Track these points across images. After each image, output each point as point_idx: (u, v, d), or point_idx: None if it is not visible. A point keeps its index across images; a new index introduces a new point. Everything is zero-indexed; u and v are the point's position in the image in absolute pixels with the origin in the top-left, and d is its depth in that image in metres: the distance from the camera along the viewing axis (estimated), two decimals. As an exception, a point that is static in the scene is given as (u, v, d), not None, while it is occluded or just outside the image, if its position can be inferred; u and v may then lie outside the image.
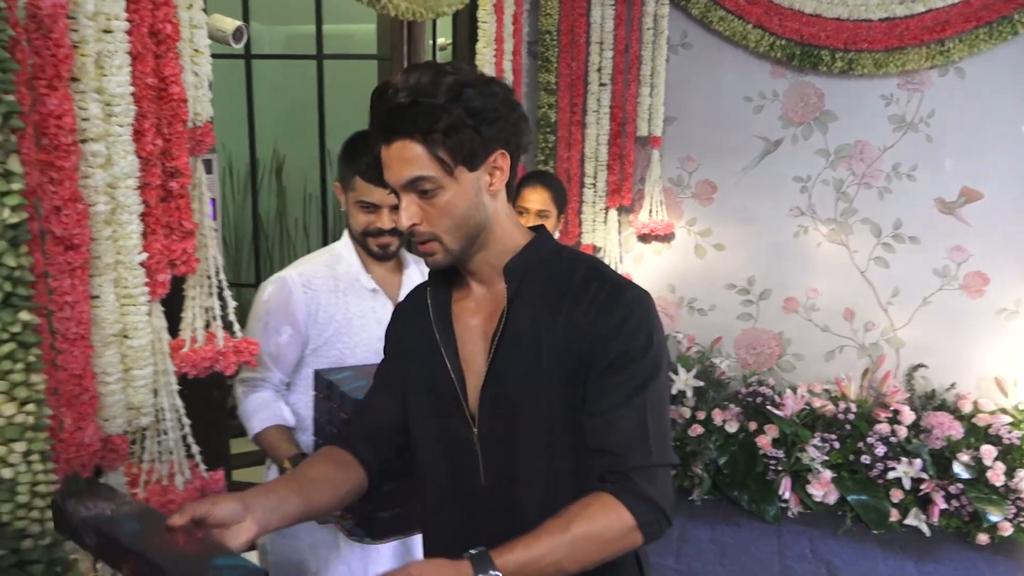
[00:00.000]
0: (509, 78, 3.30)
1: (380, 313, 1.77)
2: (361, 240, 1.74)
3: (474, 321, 1.20)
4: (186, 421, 1.41)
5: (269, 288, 1.75)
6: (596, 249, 3.83)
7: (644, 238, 3.95)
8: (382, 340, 1.72)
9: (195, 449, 1.45)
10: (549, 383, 1.12)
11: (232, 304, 1.52)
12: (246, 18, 3.05)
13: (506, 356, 1.15)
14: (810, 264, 3.76)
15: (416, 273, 1.86)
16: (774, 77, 3.66)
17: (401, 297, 1.78)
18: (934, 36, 3.37)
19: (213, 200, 1.83)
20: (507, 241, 1.17)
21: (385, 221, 1.70)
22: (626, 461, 1.07)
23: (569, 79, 3.68)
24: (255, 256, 3.52)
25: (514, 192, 2.27)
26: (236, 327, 1.53)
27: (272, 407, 1.72)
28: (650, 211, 3.80)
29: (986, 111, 3.47)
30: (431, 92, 1.05)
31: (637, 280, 3.94)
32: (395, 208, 1.68)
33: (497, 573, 0.97)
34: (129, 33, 1.19)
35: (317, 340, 1.74)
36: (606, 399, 1.09)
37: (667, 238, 3.91)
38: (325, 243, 3.28)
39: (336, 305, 1.74)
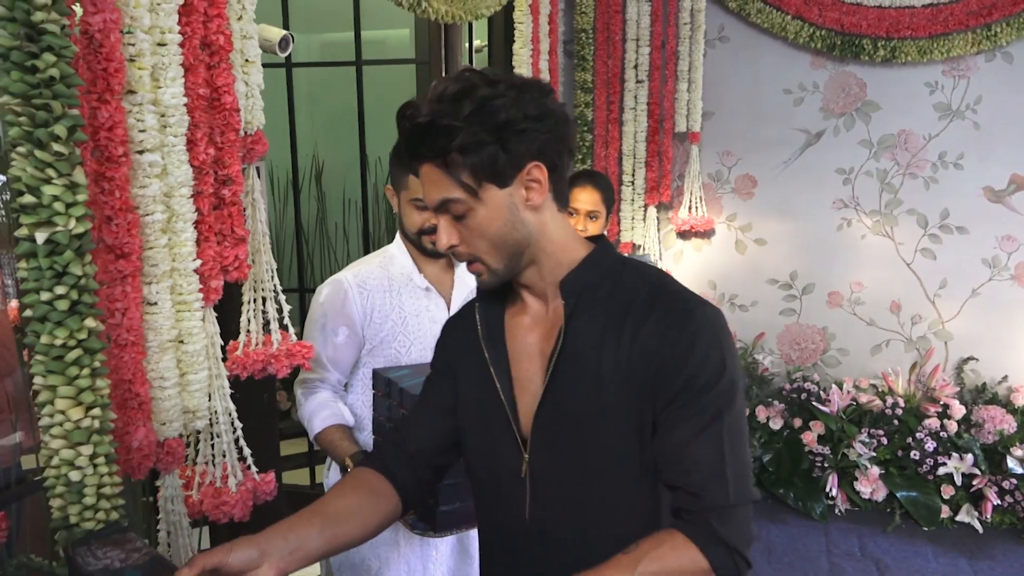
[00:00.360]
0: (545, 78, 3.31)
1: (434, 311, 1.80)
2: (415, 239, 1.76)
3: (530, 338, 1.12)
4: (238, 424, 1.44)
5: (325, 290, 1.78)
6: (635, 247, 3.82)
7: (684, 235, 3.93)
8: (436, 339, 1.77)
9: (247, 452, 1.47)
10: (613, 409, 1.04)
11: (287, 308, 1.55)
12: (286, 26, 3.10)
13: (565, 378, 1.06)
14: (854, 257, 3.70)
15: (468, 273, 1.88)
16: (814, 68, 3.61)
17: (454, 295, 1.82)
18: (980, 20, 3.30)
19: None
20: (561, 255, 1.09)
21: None
22: (702, 500, 0.99)
23: (606, 77, 3.67)
24: (297, 261, 3.57)
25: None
26: (291, 330, 1.55)
27: (332, 407, 1.75)
28: (690, 207, 3.78)
29: (1035, 97, 3.38)
30: (450, 110, 0.99)
31: (677, 277, 3.92)
32: None
33: None
34: (182, 45, 1.22)
35: (373, 340, 1.77)
36: (679, 431, 1.01)
37: (707, 234, 3.88)
38: (365, 247, 3.32)
39: (391, 305, 1.77)
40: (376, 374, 1.64)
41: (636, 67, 3.65)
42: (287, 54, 1.88)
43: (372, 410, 1.71)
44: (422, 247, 1.77)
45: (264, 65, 2.98)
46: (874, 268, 3.69)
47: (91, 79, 1.08)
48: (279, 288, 1.54)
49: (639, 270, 1.11)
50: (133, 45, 1.15)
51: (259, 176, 1.64)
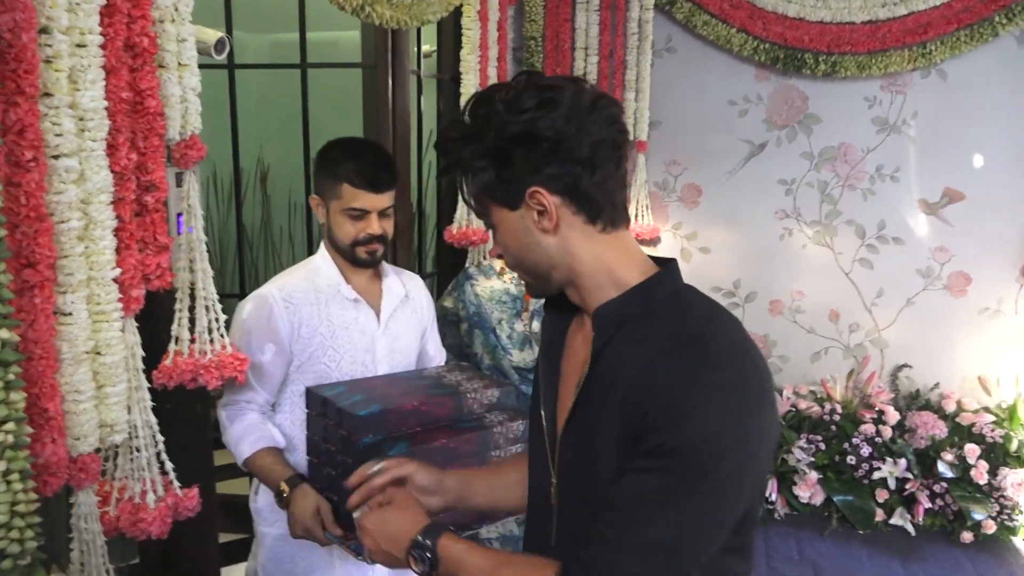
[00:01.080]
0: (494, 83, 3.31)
1: (363, 323, 1.76)
2: (348, 250, 1.72)
3: (579, 354, 1.05)
4: (160, 438, 1.40)
5: (248, 306, 1.72)
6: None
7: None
8: (368, 351, 1.75)
9: (169, 466, 1.43)
10: (617, 444, 0.95)
11: (222, 317, 1.51)
12: (229, 27, 3.04)
13: (588, 408, 0.99)
14: (795, 266, 3.78)
15: (395, 281, 1.85)
16: (758, 80, 3.67)
17: (383, 305, 1.79)
18: (916, 38, 3.40)
19: (180, 215, 1.82)
20: (603, 278, 1.00)
21: (375, 227, 1.69)
22: (588, 557, 0.92)
23: (553, 84, 3.68)
24: (239, 266, 3.51)
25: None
26: (227, 340, 1.52)
27: (261, 429, 1.69)
28: (636, 215, 3.81)
29: (967, 112, 3.49)
30: (459, 128, 0.99)
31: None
32: (382, 212, 1.70)
33: (429, 548, 1.02)
34: (103, 47, 1.18)
35: (301, 356, 1.72)
36: (628, 477, 0.91)
37: (653, 242, 3.92)
38: (310, 251, 3.27)
39: (319, 318, 1.72)
40: (310, 392, 1.58)
41: (585, 75, 3.67)
42: (223, 56, 1.84)
43: (306, 430, 1.65)
44: (354, 258, 1.73)
45: (206, 67, 2.93)
46: (814, 277, 3.77)
47: (1, 79, 1.04)
48: (214, 296, 1.50)
49: (688, 306, 1.00)
50: (50, 46, 1.11)
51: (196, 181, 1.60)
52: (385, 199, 1.70)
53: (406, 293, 1.86)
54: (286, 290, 1.72)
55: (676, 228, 3.90)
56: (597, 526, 0.92)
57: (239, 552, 2.95)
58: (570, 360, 1.07)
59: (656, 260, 1.05)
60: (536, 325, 2.24)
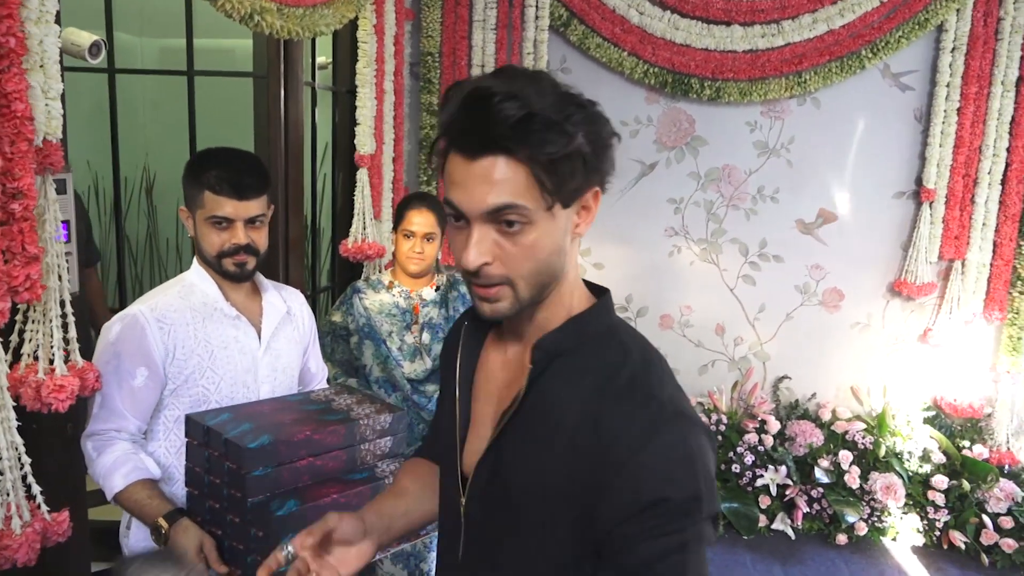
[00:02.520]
0: (391, 98, 3.30)
1: (244, 341, 1.68)
2: (215, 263, 1.63)
3: (498, 376, 1.03)
4: (26, 459, 1.32)
5: (116, 327, 1.59)
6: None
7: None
8: (249, 371, 1.67)
9: (36, 489, 1.36)
10: (558, 490, 0.91)
11: (72, 334, 1.44)
12: (110, 30, 2.92)
13: (514, 440, 0.96)
14: (684, 282, 3.92)
15: (276, 297, 1.77)
16: (648, 103, 3.81)
17: (264, 323, 1.71)
18: (792, 68, 3.61)
19: (67, 222, 1.73)
20: (567, 300, 0.98)
21: (240, 236, 1.60)
22: None
23: (451, 100, 3.70)
24: (119, 279, 3.35)
25: (396, 215, 2.27)
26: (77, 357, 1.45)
27: (132, 460, 1.56)
28: (532, 231, 3.87)
29: (838, 138, 3.73)
30: (553, 105, 0.86)
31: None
32: (250, 222, 1.61)
33: None
34: (-37, 47, 1.12)
35: (177, 379, 1.61)
36: (641, 548, 0.86)
37: (549, 257, 3.98)
38: (198, 264, 3.16)
39: (195, 339, 1.62)
40: (191, 420, 1.46)
41: (481, 92, 3.71)
42: (99, 60, 1.77)
43: (185, 459, 1.52)
44: (222, 271, 1.64)
45: (86, 70, 2.79)
46: (701, 293, 3.92)
47: None
48: (70, 312, 1.43)
49: (627, 345, 0.97)
50: (-97, 44, 1.04)
51: (63, 190, 1.53)
52: (252, 207, 1.60)
53: (288, 309, 1.79)
54: (158, 309, 1.61)
55: (571, 244, 3.98)
56: None
57: (116, 581, 2.80)
58: (487, 380, 1.04)
59: (588, 285, 1.03)
60: (426, 337, 2.24)
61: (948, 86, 3.55)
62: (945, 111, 3.57)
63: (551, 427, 0.92)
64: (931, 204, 3.65)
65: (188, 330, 1.62)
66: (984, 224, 3.64)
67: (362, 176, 3.16)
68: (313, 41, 3.23)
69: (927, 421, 3.79)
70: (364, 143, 3.12)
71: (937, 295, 3.78)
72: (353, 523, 1.04)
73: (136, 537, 1.66)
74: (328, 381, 2.01)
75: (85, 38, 1.69)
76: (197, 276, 1.68)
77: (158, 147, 4.27)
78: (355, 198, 3.17)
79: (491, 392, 1.03)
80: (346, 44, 3.36)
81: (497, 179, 0.86)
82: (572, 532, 0.91)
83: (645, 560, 0.86)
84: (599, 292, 1.03)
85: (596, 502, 0.87)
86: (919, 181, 3.68)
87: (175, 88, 3.89)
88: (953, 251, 3.67)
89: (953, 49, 3.52)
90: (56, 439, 1.88)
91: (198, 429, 1.44)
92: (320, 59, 3.47)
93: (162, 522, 1.45)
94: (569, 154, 0.87)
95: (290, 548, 1.01)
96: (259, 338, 1.70)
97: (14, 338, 1.46)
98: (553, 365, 0.95)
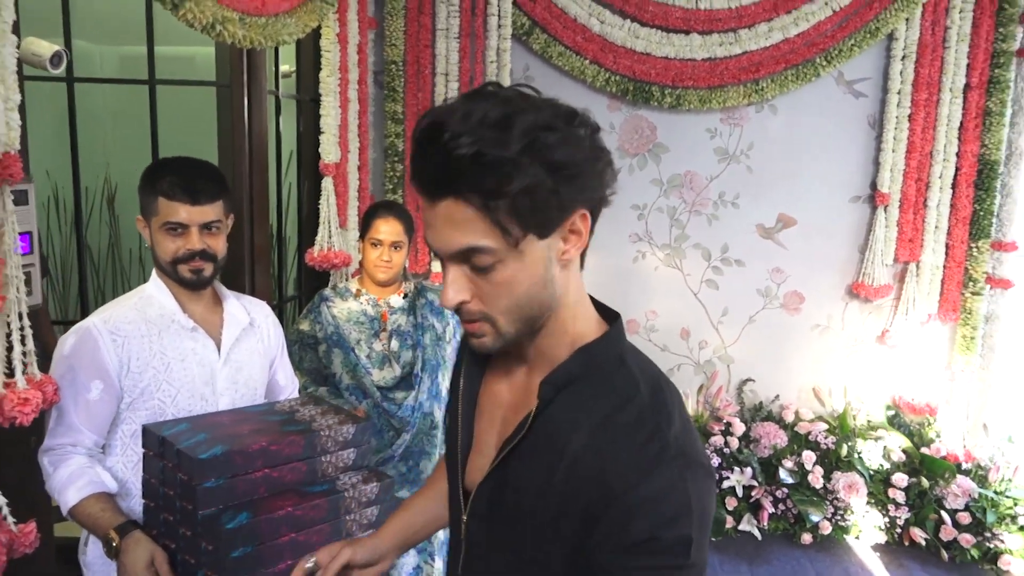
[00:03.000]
0: (355, 107, 3.31)
1: (202, 354, 1.66)
2: (171, 271, 1.62)
3: (502, 398, 1.02)
4: (-10, 469, 1.31)
5: (70, 340, 1.57)
6: (446, 276, 3.87)
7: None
8: (207, 383, 1.65)
9: (2, 500, 1.34)
10: (555, 516, 0.91)
11: (31, 346, 1.43)
12: (68, 37, 2.89)
13: (518, 465, 0.95)
14: (649, 287, 3.98)
15: (237, 307, 1.75)
16: (611, 111, 3.86)
17: (224, 335, 1.68)
18: (750, 76, 3.68)
19: (27, 234, 1.72)
20: (574, 327, 0.96)
21: (195, 242, 1.59)
22: None
23: (416, 109, 3.72)
24: (80, 291, 3.30)
25: (363, 224, 2.28)
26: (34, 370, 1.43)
27: (88, 473, 1.54)
28: (498, 238, 3.89)
29: (796, 144, 3.82)
30: (500, 140, 0.81)
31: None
32: (206, 227, 1.59)
33: None
34: (-83, 53, 1.11)
35: (132, 392, 1.59)
36: None
37: (515, 264, 4.01)
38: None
39: (151, 351, 1.60)
40: (147, 431, 1.43)
41: (446, 100, 3.73)
42: (61, 70, 1.76)
43: (142, 472, 1.48)
44: (178, 278, 1.62)
45: (44, 79, 2.76)
46: (666, 297, 3.98)
47: None
48: (27, 325, 1.41)
49: (634, 378, 0.94)
50: None
51: (25, 201, 1.52)
52: (207, 212, 1.59)
53: (250, 321, 1.77)
54: (112, 322, 1.59)
55: (537, 251, 4.01)
56: None
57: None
58: (490, 400, 1.04)
59: (597, 306, 1.01)
60: (395, 344, 2.25)
61: (899, 93, 3.66)
62: (897, 117, 3.67)
63: (555, 455, 0.91)
64: (886, 208, 3.75)
65: (143, 342, 1.60)
66: (936, 227, 3.74)
67: (327, 185, 3.16)
68: (276, 49, 3.23)
69: (887, 420, 3.88)
70: (329, 152, 3.12)
71: (893, 296, 3.88)
72: (365, 550, 1.13)
73: (94, 553, 1.63)
74: (299, 391, 1.99)
75: (46, 48, 1.67)
76: (155, 288, 1.66)
77: (119, 157, 4.22)
78: (320, 207, 3.17)
79: (494, 414, 1.02)
80: (309, 52, 3.36)
81: (458, 220, 0.85)
82: (564, 559, 0.91)
83: None
84: (610, 316, 1.00)
85: (590, 532, 0.87)
86: (874, 185, 3.78)
87: (136, 97, 3.86)
88: (908, 254, 3.77)
89: (903, 57, 3.63)
90: (15, 451, 1.86)
91: (153, 439, 1.41)
92: (283, 67, 3.47)
93: (113, 534, 1.43)
94: (527, 188, 0.82)
95: (314, 560, 1.08)
96: (218, 350, 1.68)
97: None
98: (560, 395, 0.93)
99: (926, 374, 3.85)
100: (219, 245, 1.64)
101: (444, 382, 2.29)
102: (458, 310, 0.92)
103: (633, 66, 3.70)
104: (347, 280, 3.20)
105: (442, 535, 2.38)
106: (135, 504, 1.59)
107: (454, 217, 0.85)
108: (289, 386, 1.94)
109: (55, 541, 2.39)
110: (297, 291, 3.92)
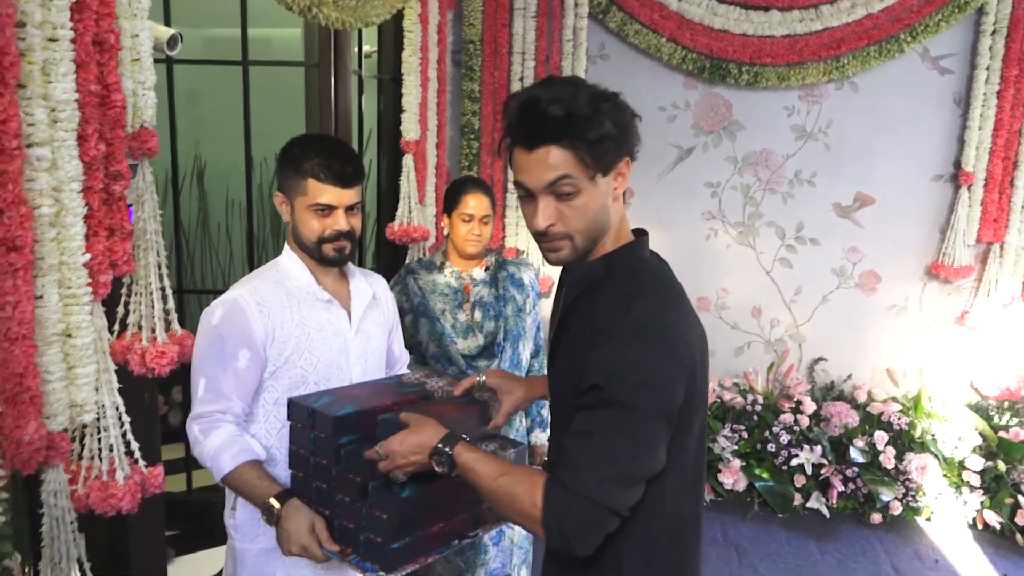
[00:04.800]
0: (434, 85, 3.39)
1: (336, 324, 1.71)
2: (314, 248, 1.67)
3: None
4: (126, 418, 1.45)
5: (219, 311, 1.62)
6: (520, 252, 3.95)
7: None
8: (342, 352, 1.72)
9: (135, 445, 1.48)
10: (568, 385, 1.24)
11: (172, 306, 1.56)
12: (167, 22, 3.05)
13: (554, 359, 1.31)
14: (721, 265, 3.98)
15: (363, 283, 1.82)
16: (686, 88, 3.86)
17: (353, 307, 1.76)
18: (830, 52, 3.63)
19: (131, 206, 1.85)
20: (608, 247, 1.27)
21: (341, 223, 1.64)
22: (558, 471, 1.17)
23: (492, 88, 3.79)
24: (177, 261, 3.49)
25: (449, 199, 2.36)
26: (176, 326, 1.57)
27: (239, 442, 1.59)
28: (570, 215, 3.94)
29: (876, 122, 3.76)
30: (578, 104, 1.16)
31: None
32: (349, 209, 1.66)
33: (448, 454, 1.25)
34: (73, 42, 1.23)
35: (277, 361, 1.64)
36: (576, 418, 1.18)
37: (587, 241, 4.05)
38: (250, 249, 3.30)
39: (293, 321, 1.65)
40: (294, 404, 1.49)
41: (522, 79, 3.79)
42: (176, 52, 1.88)
43: (289, 443, 1.55)
44: (321, 256, 1.68)
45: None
46: (738, 275, 3.98)
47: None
48: (167, 285, 1.54)
49: (640, 278, 1.26)
50: (23, 39, 1.16)
51: (149, 173, 1.65)
52: (352, 194, 1.65)
53: (373, 294, 1.84)
54: (258, 293, 1.64)
55: (609, 228, 4.05)
56: (565, 447, 1.18)
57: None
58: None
59: (637, 232, 1.33)
60: (478, 315, 2.33)
61: (988, 69, 3.56)
62: (984, 94, 3.58)
63: (572, 336, 1.26)
64: (969, 187, 3.66)
65: (286, 313, 1.65)
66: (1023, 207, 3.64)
67: (407, 162, 3.26)
68: (360, 30, 3.33)
69: (964, 403, 3.82)
70: (410, 129, 3.22)
71: (975, 278, 3.80)
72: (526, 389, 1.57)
73: (243, 516, 1.70)
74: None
75: (163, 32, 1.79)
76: (289, 261, 1.72)
77: (207, 135, 4.41)
78: (400, 183, 3.27)
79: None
80: (390, 33, 3.45)
81: (551, 162, 1.18)
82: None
83: (574, 430, 1.17)
84: (639, 235, 1.32)
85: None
86: (957, 164, 3.69)
87: (215, 77, 4.02)
88: (992, 234, 3.68)
89: (993, 32, 3.53)
90: (137, 405, 2.00)
91: (302, 411, 1.46)
92: (365, 48, 3.57)
93: (273, 502, 1.49)
94: (601, 137, 1.17)
95: (482, 377, 1.54)
96: (350, 321, 1.74)
97: (120, 310, 1.58)
98: (584, 294, 1.27)
99: (1007, 356, 3.77)
100: (359, 225, 1.71)
101: (524, 352, 2.37)
102: (545, 233, 1.22)
103: (710, 43, 3.68)
104: (424, 254, 3.30)
105: (525, 573, 2.49)
106: (279, 470, 1.66)
107: (548, 159, 1.18)
108: (403, 357, 2.01)
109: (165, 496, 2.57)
110: (375, 264, 4.05)
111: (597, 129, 1.16)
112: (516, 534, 2.42)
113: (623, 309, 1.19)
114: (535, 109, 1.17)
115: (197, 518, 3.24)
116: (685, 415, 1.20)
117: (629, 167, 1.25)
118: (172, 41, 1.83)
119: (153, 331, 1.55)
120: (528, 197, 1.23)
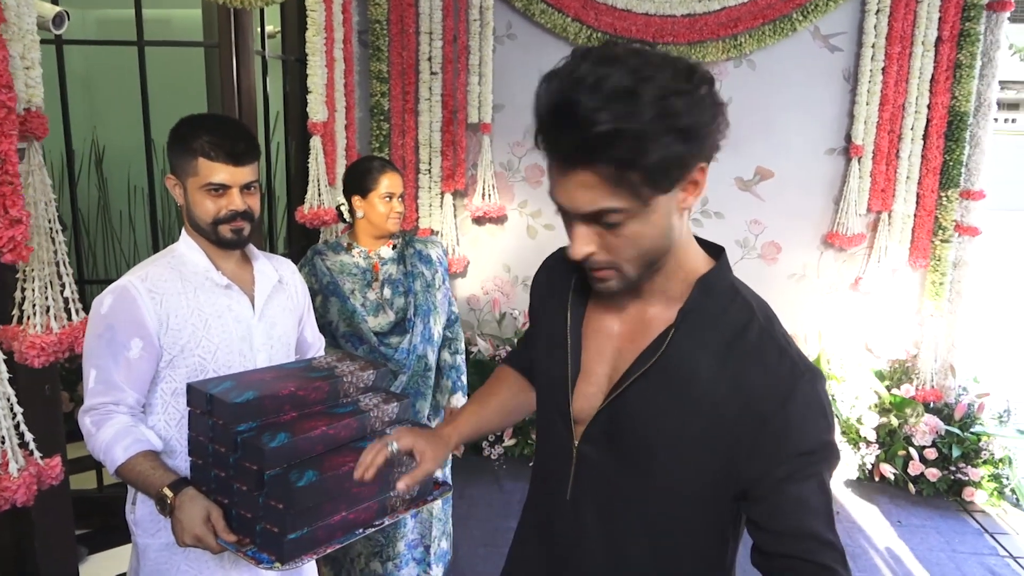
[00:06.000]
0: (341, 66, 3.36)
1: (237, 310, 1.66)
2: (210, 230, 1.60)
3: (613, 328, 1.10)
4: (18, 409, 1.41)
5: (108, 300, 1.55)
6: (434, 232, 3.96)
7: (479, 220, 4.12)
8: (243, 339, 1.66)
9: (29, 436, 1.44)
10: (695, 439, 1.00)
11: (69, 296, 1.51)
12: (54, 1, 2.91)
13: (644, 391, 1.03)
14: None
15: (267, 266, 1.76)
16: (592, 67, 3.92)
17: (257, 292, 1.69)
18: (728, 31, 3.76)
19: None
20: (687, 264, 1.04)
21: (237, 202, 1.58)
22: (821, 540, 0.96)
23: (400, 68, 3.77)
24: (76, 251, 3.37)
25: (362, 180, 2.35)
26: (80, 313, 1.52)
27: (133, 432, 1.52)
28: (483, 195, 3.98)
29: (774, 98, 3.91)
30: (634, 113, 0.84)
31: (474, 261, 4.12)
32: (245, 187, 1.59)
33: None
34: (-56, 19, 1.18)
35: (172, 349, 1.58)
36: (791, 490, 0.96)
37: (500, 220, 4.11)
38: (154, 235, 3.20)
39: (188, 308, 1.59)
40: (193, 389, 1.44)
41: (430, 59, 3.79)
42: (63, 31, 1.81)
43: (188, 430, 1.49)
44: (218, 238, 1.61)
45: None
46: (648, 250, 4.07)
47: None
48: (65, 272, 1.49)
49: (747, 302, 1.04)
50: None
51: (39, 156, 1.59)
52: (247, 172, 1.59)
53: (279, 278, 1.78)
54: (149, 280, 1.57)
55: (522, 206, 4.11)
56: (792, 518, 0.97)
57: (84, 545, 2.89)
58: (597, 331, 1.11)
59: (701, 243, 1.09)
60: (387, 292, 2.35)
61: (873, 47, 3.75)
62: (871, 71, 3.77)
63: (684, 380, 1.00)
64: (859, 159, 3.86)
65: (180, 299, 1.59)
66: (908, 177, 3.87)
67: (315, 144, 3.23)
68: (261, 10, 3.26)
69: (859, 364, 4.04)
70: (317, 111, 3.18)
71: (867, 245, 4.01)
72: (441, 444, 1.22)
73: (143, 510, 1.64)
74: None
75: (49, 9, 1.72)
76: (186, 246, 1.65)
77: (104, 119, 4.24)
78: (309, 165, 3.24)
79: (603, 345, 1.10)
80: (294, 12, 3.39)
81: (592, 185, 0.90)
82: (697, 483, 1.02)
83: (794, 498, 0.96)
84: (714, 251, 1.08)
85: (741, 452, 0.97)
86: (848, 138, 3.89)
87: (113, 59, 3.86)
88: (880, 203, 3.90)
89: (877, 11, 3.71)
90: (37, 398, 1.94)
91: (201, 397, 1.41)
92: (268, 28, 3.49)
93: (167, 492, 1.43)
94: (661, 158, 0.87)
95: (395, 445, 1.19)
96: (252, 306, 1.69)
97: (17, 295, 1.53)
98: (686, 320, 1.02)
99: (897, 319, 4.01)
100: (256, 204, 1.65)
101: (436, 326, 2.40)
102: (590, 263, 0.98)
103: (614, 23, 3.76)
104: (336, 236, 3.28)
105: (445, 545, 2.52)
106: (179, 462, 1.60)
107: (588, 183, 0.90)
108: (316, 343, 1.96)
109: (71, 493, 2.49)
110: (287, 249, 4.00)
111: (661, 150, 0.86)
112: (435, 506, 2.45)
113: (774, 351, 0.99)
114: (572, 117, 0.86)
115: (109, 515, 3.15)
116: None
117: (705, 172, 0.96)
118: (58, 19, 1.76)
119: (46, 320, 1.50)
120: (565, 215, 0.98)
